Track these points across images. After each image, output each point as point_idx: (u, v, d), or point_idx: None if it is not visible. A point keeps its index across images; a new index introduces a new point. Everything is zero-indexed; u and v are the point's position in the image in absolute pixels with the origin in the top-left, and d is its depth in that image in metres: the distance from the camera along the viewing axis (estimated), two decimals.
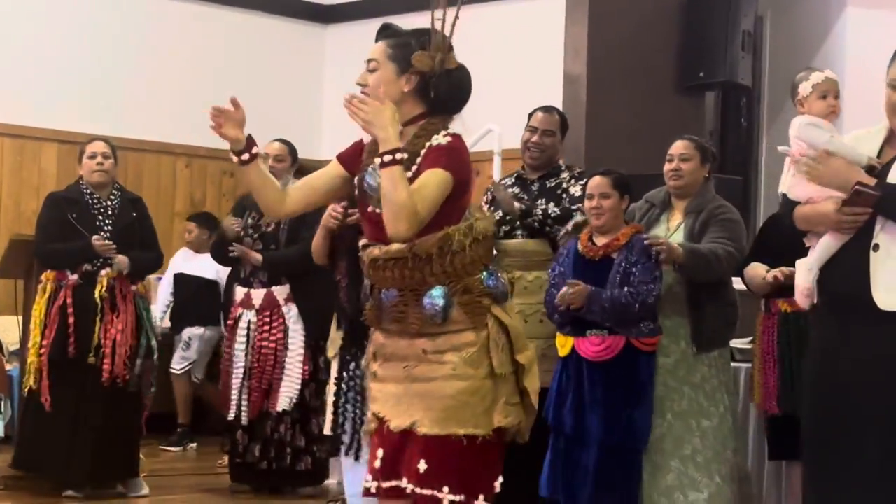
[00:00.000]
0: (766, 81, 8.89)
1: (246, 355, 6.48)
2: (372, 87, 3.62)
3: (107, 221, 6.40)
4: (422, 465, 3.49)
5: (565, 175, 5.80)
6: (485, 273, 3.60)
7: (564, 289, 5.09)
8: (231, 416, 6.50)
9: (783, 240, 5.15)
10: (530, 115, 5.86)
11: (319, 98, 10.14)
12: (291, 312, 6.49)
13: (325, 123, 9.96)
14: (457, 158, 3.59)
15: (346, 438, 5.25)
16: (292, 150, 6.78)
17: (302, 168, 6.77)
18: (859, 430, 3.84)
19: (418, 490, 3.50)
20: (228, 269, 7.20)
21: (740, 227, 5.42)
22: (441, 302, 3.53)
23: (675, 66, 8.37)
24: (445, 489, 3.49)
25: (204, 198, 9.53)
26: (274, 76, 9.86)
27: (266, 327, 6.49)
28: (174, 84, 9.37)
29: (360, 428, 5.14)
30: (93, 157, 6.44)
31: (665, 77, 8.31)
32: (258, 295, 6.55)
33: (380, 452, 3.60)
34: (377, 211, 3.57)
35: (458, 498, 3.50)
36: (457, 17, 3.67)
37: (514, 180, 5.88)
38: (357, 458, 5.19)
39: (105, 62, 9.12)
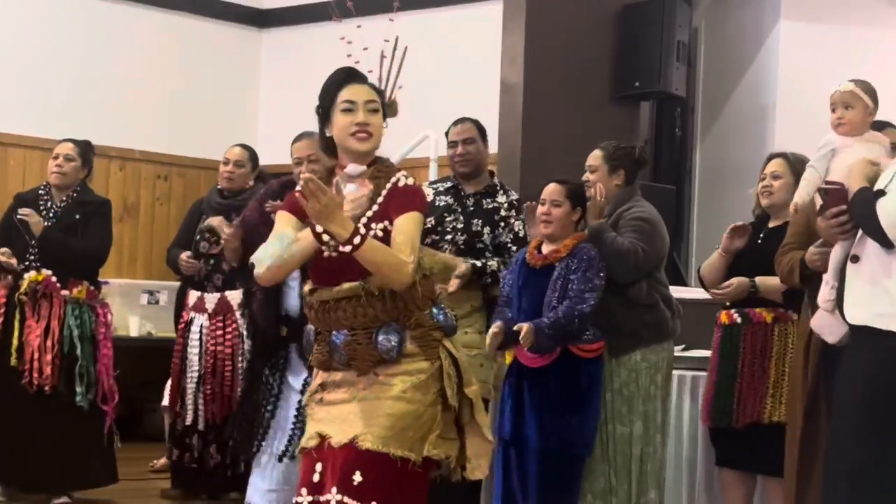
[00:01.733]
0: (700, 92, 8.97)
1: (200, 360, 6.43)
2: (378, 128, 3.71)
3: (48, 223, 6.31)
4: (357, 477, 3.50)
5: (502, 199, 5.82)
6: (434, 309, 3.68)
7: (525, 341, 5.05)
8: (188, 422, 6.43)
9: (743, 249, 5.23)
10: (446, 134, 5.91)
11: (255, 102, 10.09)
12: (246, 319, 6.44)
13: (260, 127, 9.91)
14: (424, 199, 3.70)
15: (260, 437, 5.26)
16: (252, 156, 6.74)
17: (262, 174, 6.73)
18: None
19: (349, 501, 3.50)
20: None
21: (653, 226, 5.35)
22: (395, 338, 3.59)
23: (611, 76, 8.42)
24: None
25: (138, 201, 9.45)
26: (210, 79, 9.80)
27: (219, 332, 6.44)
28: (108, 87, 9.28)
29: (261, 433, 5.19)
30: (55, 157, 6.40)
31: (601, 86, 8.35)
32: (212, 299, 6.51)
33: (318, 466, 3.60)
34: (332, 255, 3.59)
35: None
36: (400, 67, 3.77)
37: (447, 188, 5.88)
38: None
39: (39, 65, 9.02)
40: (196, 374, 6.43)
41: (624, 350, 5.35)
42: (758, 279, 5.15)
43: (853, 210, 4.02)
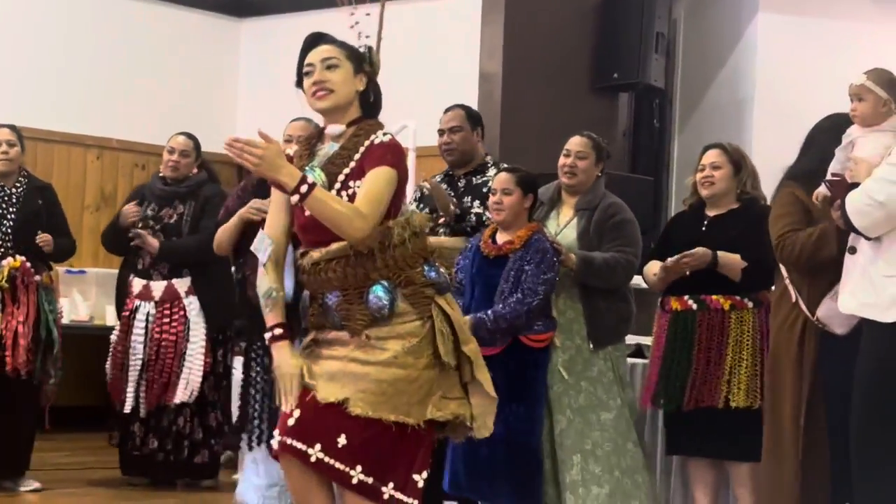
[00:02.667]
0: (679, 83, 8.99)
1: (144, 347, 6.43)
2: (339, 83, 3.66)
3: (10, 210, 6.30)
4: (341, 440, 3.51)
5: (492, 172, 5.84)
6: (425, 266, 3.66)
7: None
8: (128, 409, 6.43)
9: (685, 239, 5.27)
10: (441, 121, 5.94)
11: (234, 91, 10.06)
12: (193, 305, 6.45)
13: (239, 116, 9.89)
14: (399, 155, 3.66)
15: (255, 431, 5.25)
16: (197, 145, 6.75)
17: (204, 163, 6.74)
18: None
19: (331, 462, 3.51)
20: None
21: (634, 227, 5.49)
22: (386, 296, 3.57)
23: (590, 67, 8.44)
24: (358, 468, 3.52)
25: (115, 191, 9.41)
26: (189, 69, 9.77)
27: (166, 319, 6.46)
28: (86, 75, 9.24)
29: (267, 420, 5.18)
30: None
31: (579, 77, 8.36)
32: (158, 287, 6.51)
33: (296, 413, 3.58)
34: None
35: (367, 479, 3.53)
36: (381, 28, 3.74)
37: (442, 177, 5.92)
38: (269, 448, 5.20)
39: (14, 52, 8.97)
40: (139, 362, 6.44)
41: (606, 342, 5.41)
42: (720, 253, 5.19)
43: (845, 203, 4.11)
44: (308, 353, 3.69)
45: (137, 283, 6.57)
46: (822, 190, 4.48)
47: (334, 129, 3.68)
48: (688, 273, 5.25)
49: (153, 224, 6.53)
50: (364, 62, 3.71)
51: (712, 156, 5.39)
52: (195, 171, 6.67)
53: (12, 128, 6.45)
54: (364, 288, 3.59)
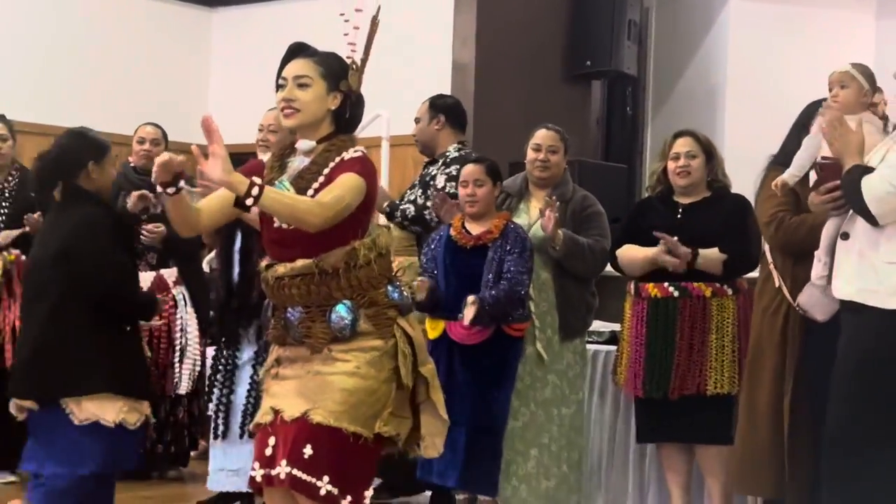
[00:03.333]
0: (651, 71, 9.01)
1: None
2: (307, 103, 3.61)
3: (3, 204, 6.27)
4: (308, 450, 3.49)
5: (441, 162, 5.89)
6: (389, 287, 3.65)
7: (469, 312, 5.08)
8: None
9: (659, 227, 5.27)
10: None
11: (206, 81, 10.03)
12: (182, 295, 6.44)
13: (212, 107, 9.86)
14: (369, 168, 3.64)
15: (218, 425, 5.40)
16: (164, 134, 6.75)
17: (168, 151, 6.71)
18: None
19: (299, 474, 3.49)
20: None
21: (606, 219, 5.57)
22: (348, 316, 3.57)
23: (563, 56, 8.44)
24: (325, 478, 3.50)
25: None
26: (160, 59, 9.72)
27: None
28: (58, 66, 9.19)
29: (223, 410, 5.35)
30: None
31: (552, 66, 8.37)
32: (146, 278, 6.48)
33: (271, 440, 3.59)
34: (283, 227, 3.59)
35: (334, 490, 3.51)
36: (372, 39, 3.69)
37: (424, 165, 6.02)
38: (224, 437, 5.40)
39: None
40: None
41: (575, 333, 5.46)
42: (700, 251, 5.19)
43: (843, 187, 4.07)
44: (273, 376, 3.69)
45: None
46: (784, 177, 4.48)
47: (304, 144, 3.66)
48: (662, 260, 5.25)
49: (141, 216, 6.51)
50: (341, 80, 3.67)
51: (686, 144, 5.34)
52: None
53: (4, 121, 6.42)
54: (327, 306, 3.58)
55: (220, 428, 5.45)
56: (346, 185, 3.53)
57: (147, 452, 6.43)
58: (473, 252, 5.27)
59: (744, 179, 5.37)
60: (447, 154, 5.89)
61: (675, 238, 5.17)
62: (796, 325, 4.74)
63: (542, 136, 5.58)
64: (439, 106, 6.00)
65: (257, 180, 3.40)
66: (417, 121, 5.99)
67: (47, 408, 4.46)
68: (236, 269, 5.45)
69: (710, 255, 5.17)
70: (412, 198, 5.85)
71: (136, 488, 6.27)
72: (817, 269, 4.26)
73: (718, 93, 8.75)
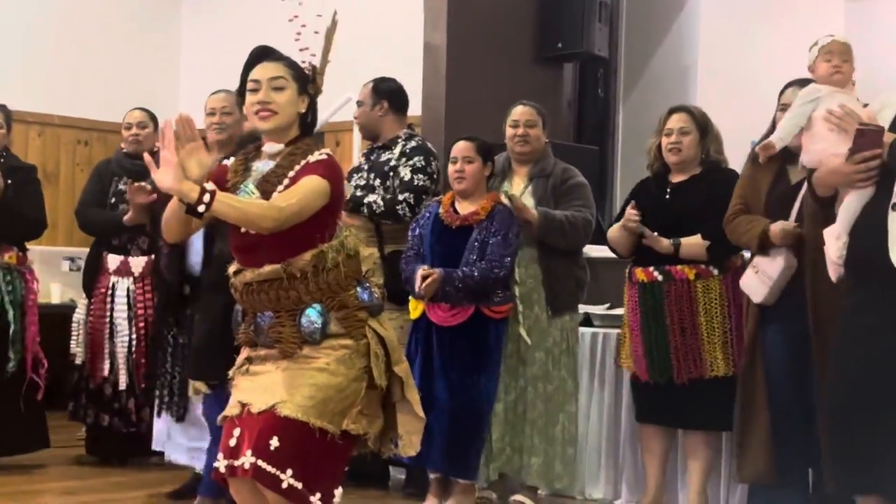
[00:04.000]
0: (623, 53, 9.01)
1: (130, 324, 6.39)
2: (283, 105, 3.62)
3: None
4: (274, 442, 3.49)
5: (397, 150, 5.87)
6: (358, 288, 3.65)
7: (419, 275, 5.14)
8: (123, 386, 6.40)
9: (648, 206, 5.29)
10: None
11: (176, 66, 9.98)
12: None
13: (182, 90, 9.82)
14: (334, 170, 3.63)
15: (163, 399, 5.56)
16: (153, 117, 6.72)
17: None
18: (884, 401, 3.87)
19: (263, 465, 3.49)
20: None
21: (589, 189, 5.62)
22: (318, 320, 3.57)
23: (534, 38, 8.43)
24: (289, 472, 3.50)
25: (58, 168, 9.33)
26: (130, 44, 9.67)
27: (149, 295, 6.41)
28: (25, 52, 9.13)
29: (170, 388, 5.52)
30: None
31: (524, 48, 8.35)
32: (137, 263, 6.47)
33: (236, 432, 3.58)
34: (251, 232, 3.58)
35: (297, 484, 3.50)
36: (331, 43, 3.69)
37: (365, 153, 5.98)
38: (180, 418, 5.56)
39: None
40: (126, 339, 6.39)
41: (563, 309, 5.47)
42: (682, 241, 5.19)
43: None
44: (243, 373, 3.70)
45: (114, 260, 6.51)
46: (772, 140, 4.48)
47: (272, 147, 3.67)
48: (644, 240, 5.25)
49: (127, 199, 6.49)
50: (307, 83, 3.67)
51: (680, 120, 5.31)
52: (158, 144, 6.60)
53: (4, 111, 6.39)
54: (296, 310, 3.59)
55: (177, 410, 5.54)
56: (306, 188, 3.53)
57: (125, 435, 6.45)
58: (459, 232, 5.28)
59: None
60: (399, 141, 5.89)
61: (656, 233, 5.20)
62: (753, 309, 4.78)
63: (519, 112, 5.61)
64: (382, 91, 5.99)
65: (209, 186, 3.41)
66: (360, 104, 5.97)
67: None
68: (193, 258, 5.39)
69: (692, 243, 5.18)
70: (373, 187, 5.82)
71: (109, 474, 6.27)
72: (837, 247, 4.10)
73: (690, 74, 8.75)
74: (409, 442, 3.75)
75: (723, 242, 5.12)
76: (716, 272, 5.22)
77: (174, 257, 5.35)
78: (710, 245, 5.16)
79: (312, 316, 3.57)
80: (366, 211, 5.73)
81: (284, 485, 3.49)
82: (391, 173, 5.83)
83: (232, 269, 3.72)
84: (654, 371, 5.27)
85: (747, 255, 5.17)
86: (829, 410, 4.14)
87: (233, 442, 3.58)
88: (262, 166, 3.66)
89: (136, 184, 6.21)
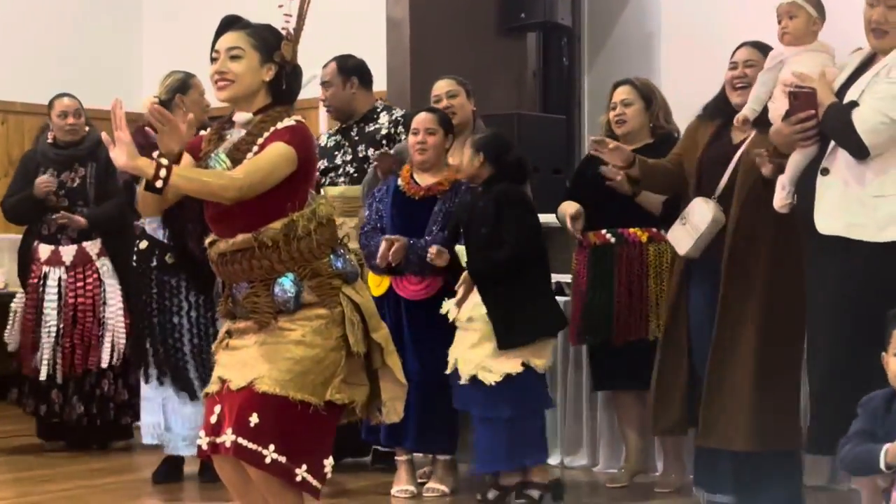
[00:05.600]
0: (586, 21, 8.99)
1: (59, 313, 6.37)
2: (240, 75, 3.62)
3: None
4: (253, 419, 3.50)
5: (384, 119, 5.86)
6: (332, 256, 3.64)
7: (383, 246, 5.13)
8: (43, 376, 6.39)
9: (596, 179, 5.30)
10: None
11: (139, 49, 9.91)
12: (105, 267, 6.41)
13: (146, 74, 9.74)
14: (301, 136, 3.62)
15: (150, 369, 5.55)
16: (80, 104, 6.67)
17: (88, 122, 6.66)
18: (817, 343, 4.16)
19: (244, 442, 3.49)
20: None
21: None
22: (292, 289, 3.58)
23: (497, 8, 8.42)
24: (271, 447, 3.51)
25: (21, 155, 9.25)
26: (91, 29, 9.59)
27: (80, 283, 6.42)
28: None
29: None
30: None
31: (487, 19, 8.34)
32: (68, 251, 6.46)
33: (217, 409, 3.59)
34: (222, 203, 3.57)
35: (281, 458, 3.52)
36: (307, 10, 3.66)
37: (335, 130, 5.93)
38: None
39: None
40: (53, 328, 6.40)
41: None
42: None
43: (827, 123, 4.07)
44: (224, 347, 3.70)
45: (45, 249, 6.50)
46: (745, 112, 4.51)
47: (241, 116, 3.67)
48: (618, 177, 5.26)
49: (58, 190, 6.46)
50: (274, 51, 3.65)
51: (622, 93, 5.41)
52: (86, 129, 6.58)
53: None
54: (270, 280, 3.59)
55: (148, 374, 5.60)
56: (269, 156, 3.53)
57: (65, 424, 6.44)
58: (422, 203, 5.27)
59: (681, 124, 5.40)
60: (380, 111, 5.87)
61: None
62: (678, 267, 4.82)
63: (438, 86, 5.62)
64: (349, 68, 5.97)
65: (164, 161, 3.43)
66: (326, 84, 5.92)
67: None
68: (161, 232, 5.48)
69: (650, 197, 5.20)
70: (367, 157, 5.79)
71: (86, 460, 6.25)
72: (780, 196, 4.28)
73: (654, 40, 8.74)
74: (393, 408, 3.76)
75: (674, 204, 5.15)
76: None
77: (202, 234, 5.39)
78: (666, 200, 5.18)
79: (286, 285, 3.57)
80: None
81: (267, 460, 3.50)
82: (385, 141, 5.80)
83: (207, 240, 3.72)
84: (592, 334, 5.31)
85: None
86: (822, 373, 4.20)
87: (214, 419, 3.59)
88: (234, 135, 3.66)
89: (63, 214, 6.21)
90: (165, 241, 5.48)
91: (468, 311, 5.05)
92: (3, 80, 9.06)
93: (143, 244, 5.54)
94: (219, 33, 3.68)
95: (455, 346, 5.08)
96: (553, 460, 5.82)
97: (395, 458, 5.44)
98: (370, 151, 5.80)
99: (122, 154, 3.38)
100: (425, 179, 5.31)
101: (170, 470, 5.68)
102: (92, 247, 6.44)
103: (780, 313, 4.55)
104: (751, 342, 4.54)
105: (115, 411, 6.46)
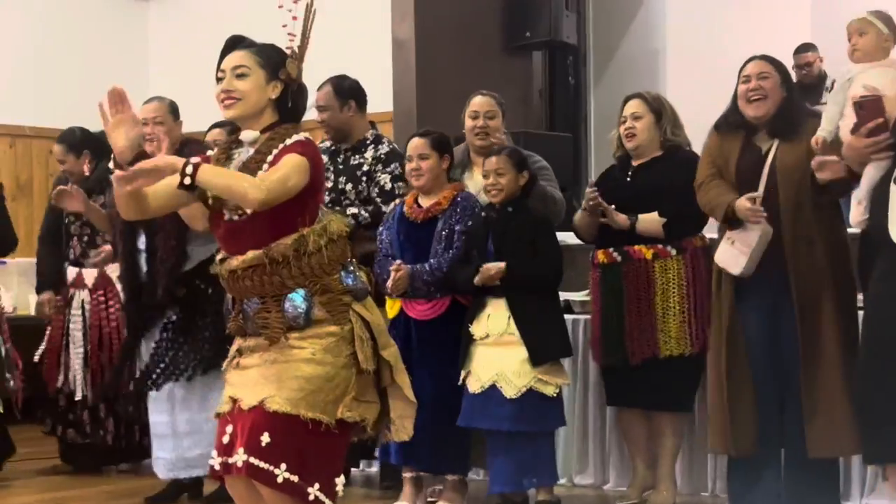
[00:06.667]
0: (591, 39, 9.03)
1: (84, 336, 6.41)
2: (247, 93, 3.60)
3: None
4: (265, 438, 3.49)
5: (369, 154, 5.84)
6: (343, 272, 3.64)
7: (391, 276, 5.15)
8: (79, 397, 6.42)
9: (610, 189, 5.31)
10: None
11: (145, 74, 9.94)
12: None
13: (152, 93, 9.76)
14: (312, 150, 3.62)
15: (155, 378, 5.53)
16: (76, 141, 6.67)
17: (97, 145, 6.69)
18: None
19: (256, 462, 3.49)
20: None
21: (552, 171, 5.64)
22: (302, 305, 3.56)
23: (502, 27, 8.45)
24: (283, 466, 3.49)
25: (31, 179, 9.29)
26: (98, 53, 9.62)
27: (102, 306, 6.44)
28: None
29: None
30: None
31: (492, 38, 8.37)
32: (90, 274, 6.48)
33: (228, 429, 3.59)
34: (233, 218, 3.58)
35: (293, 477, 3.50)
36: (310, 28, 3.67)
37: (324, 150, 5.90)
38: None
39: None
40: (81, 350, 6.43)
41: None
42: (639, 217, 5.24)
43: None
44: (234, 366, 3.69)
45: (70, 272, 6.56)
46: (822, 134, 4.38)
47: (248, 135, 3.66)
48: (601, 218, 5.28)
49: (74, 220, 6.53)
50: (279, 69, 3.65)
51: (632, 106, 5.40)
52: (87, 165, 6.60)
53: None
54: (281, 295, 3.58)
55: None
56: (289, 164, 3.52)
57: (90, 446, 6.45)
58: (425, 225, 5.28)
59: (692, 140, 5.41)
60: (369, 144, 5.86)
61: (613, 206, 5.22)
62: (727, 284, 4.81)
63: (478, 102, 5.60)
64: (346, 91, 5.95)
65: (194, 159, 3.42)
66: (322, 108, 5.89)
67: None
68: (143, 268, 5.51)
69: (649, 219, 5.22)
70: (344, 191, 5.79)
71: (97, 483, 6.25)
72: (857, 212, 4.20)
73: (659, 56, 8.78)
74: (402, 426, 3.74)
75: (680, 221, 5.17)
76: (674, 252, 5.24)
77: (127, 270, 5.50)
78: (666, 223, 5.19)
79: (297, 301, 3.56)
80: (352, 222, 5.68)
81: (279, 479, 3.48)
82: (364, 178, 5.81)
83: (218, 256, 3.71)
84: (607, 354, 5.31)
85: (708, 235, 5.22)
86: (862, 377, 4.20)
87: (226, 439, 3.58)
88: (242, 154, 3.65)
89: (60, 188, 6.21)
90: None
91: (501, 327, 5.05)
92: (13, 104, 9.10)
93: None
94: (224, 53, 3.70)
95: (488, 362, 5.04)
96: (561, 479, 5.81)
97: (402, 474, 5.43)
98: (348, 186, 5.80)
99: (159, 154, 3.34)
100: (426, 201, 5.33)
101: (170, 493, 5.68)
102: (113, 270, 6.46)
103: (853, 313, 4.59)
104: (835, 344, 4.57)
105: (140, 432, 6.47)
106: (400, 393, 3.72)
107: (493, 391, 5.00)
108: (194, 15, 9.59)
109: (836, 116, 4.42)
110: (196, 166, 3.39)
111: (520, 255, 5.07)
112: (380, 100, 6.23)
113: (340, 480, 3.62)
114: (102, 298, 6.45)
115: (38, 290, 6.76)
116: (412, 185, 5.35)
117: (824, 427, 4.59)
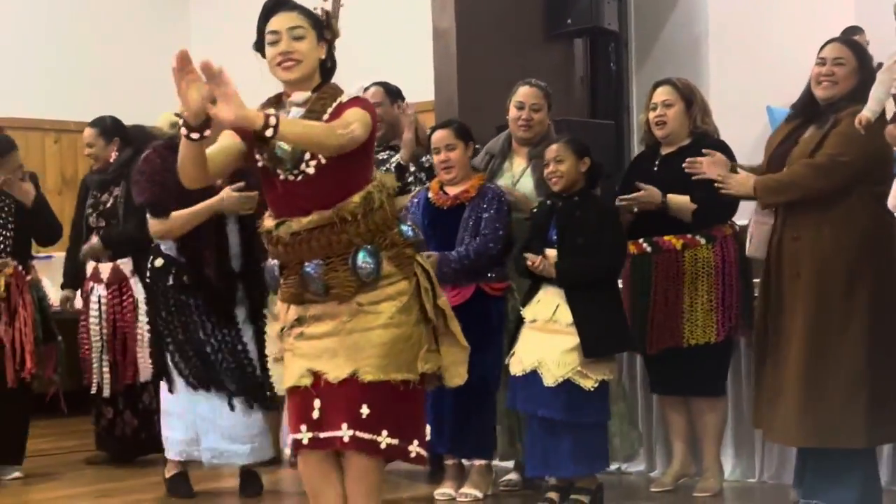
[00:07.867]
0: (633, 26, 8.98)
1: (101, 329, 6.47)
2: (306, 53, 3.61)
3: (9, 212, 6.26)
4: (364, 410, 3.55)
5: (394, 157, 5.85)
6: (402, 226, 3.70)
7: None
8: (94, 390, 6.54)
9: (637, 179, 5.28)
10: None
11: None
12: (139, 285, 6.45)
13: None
14: (371, 107, 3.66)
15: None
16: (104, 129, 6.78)
17: (129, 136, 6.76)
18: None
19: (359, 434, 3.55)
20: None
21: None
22: (372, 260, 3.59)
23: (543, 14, 8.42)
24: (384, 433, 3.58)
25: (76, 174, 9.35)
26: (140, 46, 9.68)
27: (116, 300, 6.53)
28: (39, 59, 9.16)
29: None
30: None
31: (533, 25, 8.34)
32: (105, 269, 6.56)
33: (317, 403, 3.61)
34: (289, 179, 3.58)
35: (394, 441, 3.60)
36: None
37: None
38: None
39: None
40: (98, 344, 6.52)
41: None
42: (669, 196, 5.20)
43: None
44: (297, 336, 3.68)
45: (90, 267, 6.65)
46: (866, 114, 4.29)
47: (299, 96, 3.66)
48: (635, 210, 5.25)
49: (92, 211, 6.64)
50: (324, 29, 3.67)
51: (663, 93, 5.35)
52: (114, 153, 6.65)
53: None
54: (346, 254, 3.59)
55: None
56: (357, 115, 3.53)
57: (119, 438, 6.52)
58: (451, 212, 5.29)
59: (730, 127, 5.36)
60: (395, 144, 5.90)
61: (642, 192, 5.20)
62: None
63: (524, 93, 5.57)
64: (395, 91, 6.01)
65: (271, 111, 3.39)
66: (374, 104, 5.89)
67: None
68: (238, 261, 5.48)
69: (680, 200, 5.18)
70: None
71: (147, 474, 6.29)
72: (894, 198, 4.17)
73: (702, 42, 8.71)
74: (457, 372, 3.79)
75: (708, 209, 5.14)
76: (703, 241, 5.21)
77: (221, 258, 5.41)
78: (696, 210, 5.15)
79: (367, 257, 3.59)
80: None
81: (382, 445, 3.58)
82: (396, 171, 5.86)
83: (270, 222, 3.68)
84: (636, 342, 5.30)
85: (739, 221, 5.19)
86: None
87: (316, 414, 3.60)
88: (291, 115, 3.62)
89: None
90: (181, 259, 5.48)
91: (547, 313, 5.00)
92: (58, 100, 9.17)
93: (159, 262, 5.51)
94: (266, 16, 3.66)
95: (533, 346, 5.01)
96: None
97: (445, 461, 5.45)
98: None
99: (228, 109, 3.27)
100: (453, 189, 5.34)
101: (183, 482, 5.70)
102: (126, 265, 6.52)
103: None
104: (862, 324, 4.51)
105: (158, 424, 6.50)
106: (453, 339, 3.78)
107: (534, 376, 4.99)
108: (235, 10, 9.61)
109: (882, 97, 4.36)
110: (278, 118, 3.35)
111: (578, 249, 4.98)
112: (421, 89, 6.23)
113: (428, 429, 3.74)
114: (116, 293, 6.52)
115: (62, 287, 6.86)
116: (442, 178, 5.34)
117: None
